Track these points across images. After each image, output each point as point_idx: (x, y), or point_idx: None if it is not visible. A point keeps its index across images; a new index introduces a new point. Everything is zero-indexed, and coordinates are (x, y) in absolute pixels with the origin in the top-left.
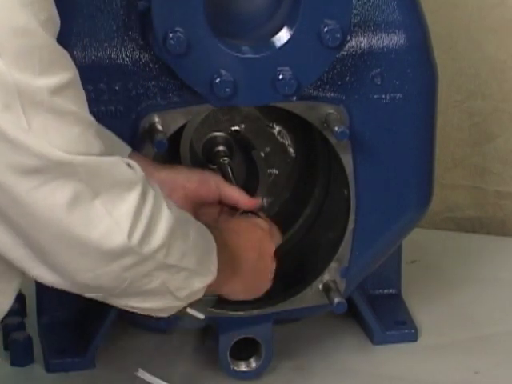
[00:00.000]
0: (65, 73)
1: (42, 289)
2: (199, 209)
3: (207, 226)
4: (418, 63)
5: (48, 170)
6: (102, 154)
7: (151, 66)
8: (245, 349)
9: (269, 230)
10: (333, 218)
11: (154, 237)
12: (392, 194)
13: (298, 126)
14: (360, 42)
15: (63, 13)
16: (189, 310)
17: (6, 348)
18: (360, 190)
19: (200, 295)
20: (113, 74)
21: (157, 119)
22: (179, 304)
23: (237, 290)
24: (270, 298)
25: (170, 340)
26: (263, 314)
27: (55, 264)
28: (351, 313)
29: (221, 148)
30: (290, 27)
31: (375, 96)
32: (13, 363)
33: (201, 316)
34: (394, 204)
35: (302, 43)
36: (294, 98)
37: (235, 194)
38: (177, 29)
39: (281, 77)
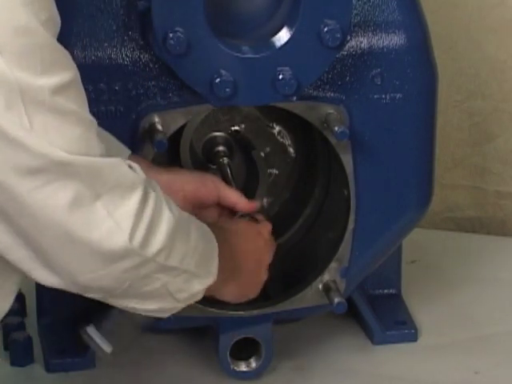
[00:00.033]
0: (66, 72)
1: (41, 289)
2: (199, 211)
3: (209, 225)
4: (418, 63)
5: (49, 170)
6: (103, 155)
7: (151, 66)
8: (245, 349)
9: (269, 234)
10: (333, 218)
11: (155, 239)
12: (392, 194)
13: (298, 125)
14: (360, 42)
15: (63, 13)
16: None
17: (6, 348)
18: (360, 190)
19: (199, 297)
20: (113, 74)
21: (157, 119)
22: (178, 305)
23: (230, 293)
24: (269, 298)
25: (170, 340)
26: (263, 314)
27: (55, 265)
28: (351, 313)
29: (221, 148)
30: (290, 27)
31: (375, 96)
32: (13, 363)
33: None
34: (394, 204)
35: (301, 43)
36: (294, 98)
37: (233, 196)
38: (177, 29)
39: (281, 77)
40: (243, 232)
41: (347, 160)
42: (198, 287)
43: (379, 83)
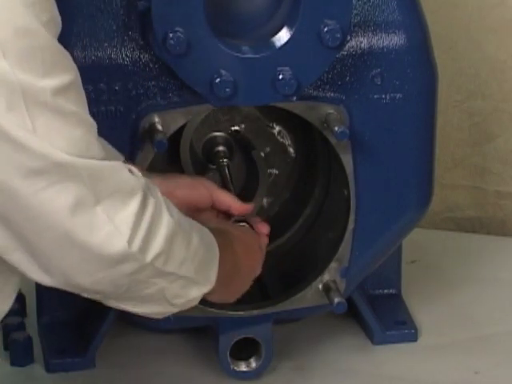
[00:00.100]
0: (67, 74)
1: (41, 289)
2: (194, 215)
3: (213, 229)
4: (418, 63)
5: (51, 171)
6: (103, 158)
7: (151, 66)
8: (245, 349)
9: (262, 242)
10: (333, 217)
11: (153, 243)
12: (392, 194)
13: (298, 125)
14: (360, 42)
15: (63, 13)
16: None
17: (6, 348)
18: (360, 190)
19: (196, 303)
20: (113, 74)
21: (157, 119)
22: (174, 310)
23: (214, 297)
24: (269, 297)
25: (170, 340)
26: (263, 314)
27: (53, 267)
28: (351, 313)
29: (221, 148)
30: (290, 27)
31: (375, 96)
32: (13, 363)
33: None
34: (394, 204)
35: (301, 43)
36: (294, 98)
37: (227, 199)
38: (177, 29)
39: (281, 77)
40: (248, 241)
41: (347, 160)
42: (195, 293)
43: (379, 83)
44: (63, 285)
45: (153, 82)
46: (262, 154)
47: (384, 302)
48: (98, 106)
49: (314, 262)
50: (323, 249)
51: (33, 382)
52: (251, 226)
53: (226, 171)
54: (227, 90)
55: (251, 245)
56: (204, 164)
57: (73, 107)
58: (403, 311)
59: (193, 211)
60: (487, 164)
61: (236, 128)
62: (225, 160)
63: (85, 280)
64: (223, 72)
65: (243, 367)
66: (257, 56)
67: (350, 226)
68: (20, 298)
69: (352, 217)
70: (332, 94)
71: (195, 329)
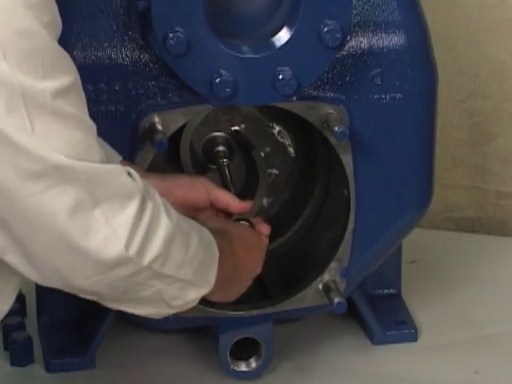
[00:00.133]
0: (67, 76)
1: (41, 289)
2: (194, 214)
3: (212, 229)
4: (418, 63)
5: (49, 174)
6: (102, 161)
7: (151, 66)
8: (245, 349)
9: (263, 242)
10: (333, 217)
11: (150, 247)
12: (392, 194)
13: (298, 126)
14: (360, 42)
15: (63, 13)
16: None
17: (6, 348)
18: (360, 190)
19: (194, 304)
20: (113, 74)
21: (157, 119)
22: (172, 311)
23: (214, 297)
24: (269, 297)
25: (170, 340)
26: (263, 314)
27: (49, 269)
28: (351, 313)
29: (221, 148)
30: (290, 27)
31: (375, 96)
32: (13, 363)
33: None
34: (394, 204)
35: (301, 43)
36: (294, 98)
37: (225, 197)
38: (177, 29)
39: (281, 77)
40: (248, 240)
41: (347, 160)
42: (193, 295)
43: (379, 83)
44: (59, 285)
45: (153, 82)
46: (262, 154)
47: (384, 302)
48: (98, 105)
49: (314, 262)
50: (323, 249)
51: (33, 382)
52: (252, 225)
53: (226, 171)
54: (227, 89)
55: (251, 243)
56: (204, 164)
57: (72, 109)
58: (403, 311)
59: (192, 211)
60: (487, 164)
61: (236, 128)
62: (225, 160)
63: (81, 282)
64: (223, 72)
65: (243, 367)
66: (257, 56)
67: (350, 226)
68: (20, 298)
69: (352, 217)
70: (332, 94)
71: (195, 329)
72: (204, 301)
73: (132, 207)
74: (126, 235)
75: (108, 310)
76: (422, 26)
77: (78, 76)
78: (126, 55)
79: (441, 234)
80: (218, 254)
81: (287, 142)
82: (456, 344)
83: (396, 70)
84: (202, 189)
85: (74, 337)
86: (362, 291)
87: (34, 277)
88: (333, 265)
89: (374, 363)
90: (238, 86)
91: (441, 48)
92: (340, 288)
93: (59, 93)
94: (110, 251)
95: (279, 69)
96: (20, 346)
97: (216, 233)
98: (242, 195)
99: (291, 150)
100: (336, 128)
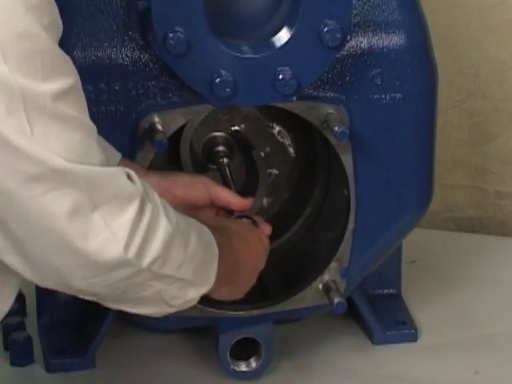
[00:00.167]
0: (67, 78)
1: (41, 289)
2: (193, 213)
3: (211, 226)
4: (418, 63)
5: (48, 178)
6: (102, 164)
7: (151, 66)
8: (245, 349)
9: (265, 239)
10: (333, 217)
11: (150, 249)
12: (392, 194)
13: (298, 126)
14: (360, 42)
15: (63, 13)
16: None
17: (6, 348)
18: (360, 190)
19: (194, 303)
20: (113, 74)
21: (157, 119)
22: (172, 310)
23: (219, 294)
24: (269, 297)
25: (170, 340)
26: (263, 314)
27: (48, 270)
28: (351, 313)
29: (221, 148)
30: (290, 27)
31: (375, 96)
32: (13, 363)
33: None
34: (394, 204)
35: (301, 43)
36: (294, 98)
37: (225, 195)
38: (177, 29)
39: (281, 77)
40: (246, 235)
41: (347, 160)
42: (193, 294)
43: (379, 83)
44: (57, 286)
45: (153, 82)
46: (262, 154)
47: (384, 302)
48: (98, 105)
49: (314, 262)
50: (323, 249)
51: (33, 382)
52: (254, 222)
53: (227, 170)
54: (227, 89)
55: (251, 238)
56: (204, 164)
57: (72, 112)
58: (403, 311)
59: (191, 209)
60: (487, 164)
61: (236, 128)
62: (225, 159)
63: (80, 283)
64: (223, 72)
65: (243, 367)
66: (257, 56)
67: (350, 226)
68: (20, 298)
69: (352, 217)
70: (332, 94)
71: (195, 329)
72: (204, 301)
73: (131, 210)
74: (125, 238)
75: (108, 309)
76: (422, 26)
77: (79, 78)
78: (126, 55)
79: (441, 233)
80: (217, 252)
81: (287, 142)
82: (456, 344)
83: (396, 70)
84: (201, 187)
85: (74, 337)
86: (362, 291)
87: (33, 277)
88: (333, 265)
89: (374, 363)
90: (238, 86)
91: (441, 48)
92: (340, 288)
93: (59, 95)
94: (109, 253)
95: (279, 69)
96: (20, 346)
97: (214, 229)
98: (242, 195)
99: (291, 149)
100: (336, 128)
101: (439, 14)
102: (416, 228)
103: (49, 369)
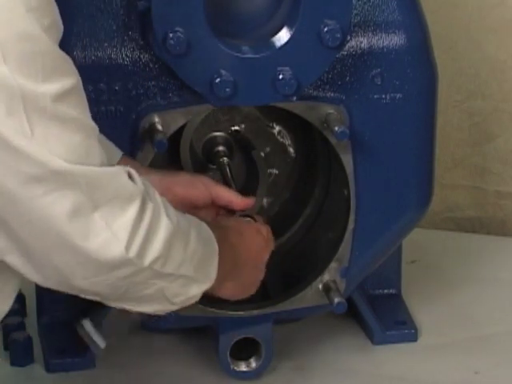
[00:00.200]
0: (67, 79)
1: (41, 289)
2: (193, 212)
3: (209, 224)
4: (418, 63)
5: (48, 179)
6: (103, 164)
7: (151, 66)
8: (245, 349)
9: (268, 233)
10: (333, 217)
11: (151, 249)
12: (392, 194)
13: (298, 125)
14: (360, 42)
15: (63, 13)
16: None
17: (6, 348)
18: (360, 190)
19: (196, 300)
20: (113, 74)
21: (157, 119)
22: (174, 308)
23: (227, 292)
24: (269, 297)
25: (170, 340)
26: (263, 314)
27: (50, 270)
28: (351, 313)
29: (221, 148)
30: (290, 27)
31: (375, 96)
32: (13, 363)
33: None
34: (394, 204)
35: (302, 43)
36: (294, 98)
37: (226, 194)
38: (177, 29)
39: (281, 77)
40: (243, 230)
41: (347, 160)
42: (195, 291)
43: (379, 83)
44: (59, 286)
45: (153, 82)
46: (262, 154)
47: (384, 302)
48: (98, 105)
49: (314, 262)
50: (323, 249)
51: (33, 382)
52: (254, 221)
53: (227, 170)
54: (227, 89)
55: (248, 232)
56: (204, 164)
57: (73, 112)
58: (403, 311)
59: (191, 208)
60: (487, 164)
61: (236, 128)
62: (225, 159)
63: (82, 282)
64: (223, 72)
65: (243, 367)
66: (257, 56)
67: (350, 226)
68: (20, 298)
69: (352, 217)
70: (332, 94)
71: (195, 329)
72: (205, 300)
73: (132, 210)
74: (126, 237)
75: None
76: (422, 26)
77: (80, 78)
78: (126, 55)
79: (441, 233)
80: (217, 248)
81: (287, 142)
82: (456, 344)
83: (396, 70)
84: (201, 187)
85: (74, 337)
86: (362, 291)
87: (36, 278)
88: (333, 265)
89: (374, 363)
90: (238, 86)
91: (441, 48)
92: (340, 288)
93: (59, 96)
94: (111, 253)
95: (279, 69)
96: (20, 346)
97: (213, 227)
98: (242, 195)
99: (291, 149)
100: (336, 128)
101: (439, 14)
102: (416, 228)
103: (49, 369)
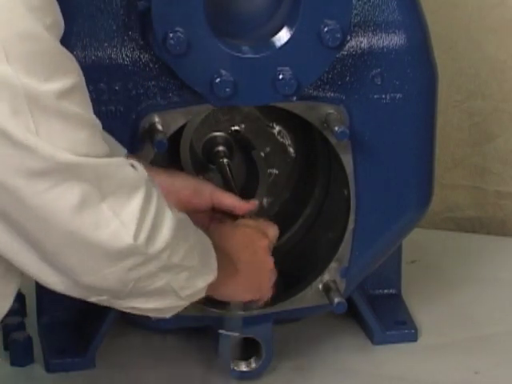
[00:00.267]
0: (70, 76)
1: (42, 289)
2: (190, 215)
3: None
4: (418, 63)
5: (56, 172)
6: (107, 156)
7: (151, 65)
8: (245, 349)
9: (257, 226)
10: (333, 217)
11: (159, 236)
12: (392, 194)
13: (298, 125)
14: (360, 42)
15: (63, 13)
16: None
17: (6, 348)
18: (360, 190)
19: (202, 295)
20: (113, 74)
21: (157, 119)
22: (182, 303)
23: (239, 291)
24: (269, 297)
25: (170, 340)
26: (263, 314)
27: (61, 267)
28: (351, 313)
29: (221, 148)
30: (290, 27)
31: (375, 96)
32: (13, 363)
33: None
34: (394, 204)
35: (302, 43)
36: (294, 98)
37: (229, 200)
38: (177, 29)
39: (281, 77)
40: (226, 231)
41: (347, 160)
42: (200, 284)
43: (379, 83)
44: (71, 285)
45: (153, 82)
46: (262, 154)
47: (384, 302)
48: (98, 105)
49: (314, 262)
50: (323, 249)
51: (33, 382)
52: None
53: (227, 170)
54: (227, 89)
55: (239, 233)
56: (204, 164)
57: (77, 109)
58: (403, 311)
59: (189, 212)
60: (487, 164)
61: (236, 128)
62: (225, 159)
63: (92, 277)
64: (223, 72)
65: (243, 367)
66: (257, 56)
67: (350, 226)
68: (20, 298)
69: (352, 217)
70: (332, 94)
71: (195, 329)
72: (205, 300)
73: (139, 197)
74: (134, 225)
75: (108, 310)
76: (422, 26)
77: (82, 75)
78: (126, 55)
79: (441, 233)
80: (209, 240)
81: (287, 141)
82: (456, 344)
83: (396, 70)
84: (206, 194)
85: (74, 337)
86: (362, 291)
87: (47, 278)
88: (333, 265)
89: (374, 363)
90: (238, 86)
91: (441, 48)
92: (340, 288)
93: (63, 94)
94: (120, 242)
95: (279, 69)
96: (20, 346)
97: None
98: (241, 195)
99: (291, 149)
100: (336, 128)
101: (439, 14)
102: (416, 228)
103: (49, 369)
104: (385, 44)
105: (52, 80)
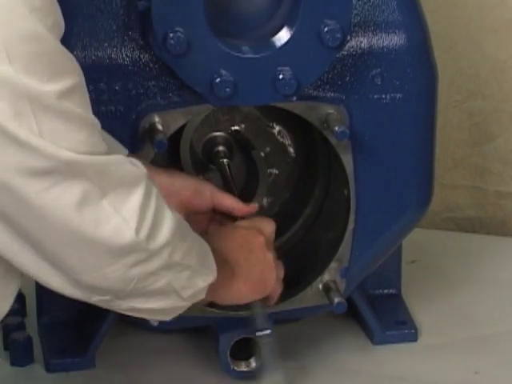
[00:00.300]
0: (71, 77)
1: (42, 289)
2: (191, 217)
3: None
4: (418, 63)
5: (57, 170)
6: (107, 153)
7: (151, 65)
8: (245, 349)
9: (252, 225)
10: (333, 217)
11: (159, 233)
12: (392, 194)
13: (298, 125)
14: (360, 41)
15: (63, 13)
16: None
17: (6, 348)
18: (360, 190)
19: (203, 295)
20: (113, 74)
21: (157, 119)
22: (183, 304)
23: (242, 292)
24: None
25: (170, 340)
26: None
27: (62, 266)
28: (351, 313)
29: (221, 148)
30: (290, 27)
31: (375, 96)
32: (13, 363)
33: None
34: (394, 204)
35: (302, 43)
36: (294, 98)
37: (229, 202)
38: (177, 29)
39: (281, 77)
40: (220, 233)
41: (347, 160)
42: (201, 284)
43: (379, 83)
44: (72, 285)
45: (153, 82)
46: (262, 154)
47: (384, 302)
48: (98, 105)
49: (314, 262)
50: (323, 249)
51: (33, 382)
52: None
53: (227, 170)
54: (227, 89)
55: (233, 234)
56: (204, 164)
57: (77, 109)
58: (403, 311)
59: (190, 213)
60: (487, 164)
61: (236, 128)
62: (225, 160)
63: (93, 276)
64: (223, 72)
65: (243, 367)
66: (257, 56)
67: (350, 226)
68: (20, 298)
69: (352, 217)
70: (332, 94)
71: (195, 329)
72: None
73: (139, 193)
74: (135, 221)
75: (108, 310)
76: (422, 26)
77: (82, 75)
78: (126, 55)
79: (441, 233)
80: (208, 245)
81: (287, 141)
82: (456, 344)
83: (396, 70)
84: (207, 195)
85: (74, 337)
86: (362, 291)
87: (48, 278)
88: (333, 265)
89: (374, 363)
90: (238, 86)
91: (441, 48)
92: (340, 288)
93: (64, 94)
94: (122, 239)
95: (279, 69)
96: (20, 346)
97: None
98: (241, 195)
99: (291, 149)
100: (336, 128)
101: (439, 14)
102: (416, 228)
103: (49, 369)
104: (385, 44)
105: (53, 80)
